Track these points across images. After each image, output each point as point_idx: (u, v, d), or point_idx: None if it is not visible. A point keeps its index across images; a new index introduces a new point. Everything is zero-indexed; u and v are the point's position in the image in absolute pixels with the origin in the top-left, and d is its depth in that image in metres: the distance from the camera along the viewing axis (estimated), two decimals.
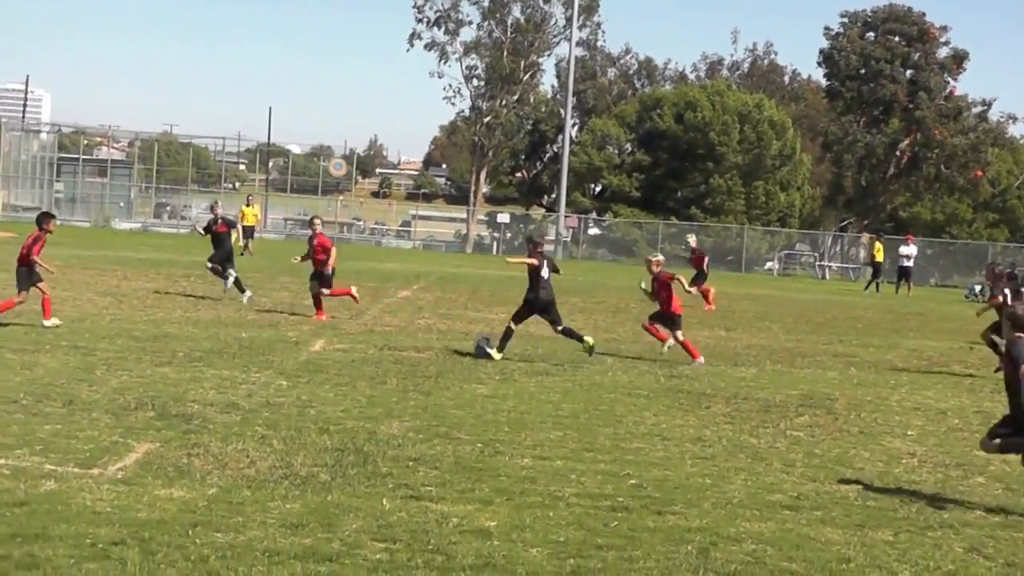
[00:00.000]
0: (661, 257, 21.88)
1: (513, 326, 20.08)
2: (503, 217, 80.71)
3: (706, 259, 35.10)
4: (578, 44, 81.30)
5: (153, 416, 12.79)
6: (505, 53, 79.54)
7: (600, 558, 8.66)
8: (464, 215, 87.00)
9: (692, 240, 38.03)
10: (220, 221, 28.64)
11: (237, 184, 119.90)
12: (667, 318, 21.09)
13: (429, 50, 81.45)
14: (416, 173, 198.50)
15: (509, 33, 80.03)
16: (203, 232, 29.29)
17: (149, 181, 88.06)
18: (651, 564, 8.62)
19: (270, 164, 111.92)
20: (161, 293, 27.72)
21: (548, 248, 78.15)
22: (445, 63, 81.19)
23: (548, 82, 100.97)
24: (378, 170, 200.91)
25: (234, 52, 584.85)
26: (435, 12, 79.92)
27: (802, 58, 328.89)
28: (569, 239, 74.52)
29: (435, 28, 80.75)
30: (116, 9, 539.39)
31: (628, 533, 9.38)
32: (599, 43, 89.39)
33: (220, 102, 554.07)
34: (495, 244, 79.90)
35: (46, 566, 7.61)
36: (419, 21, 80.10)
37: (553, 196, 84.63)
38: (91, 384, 14.56)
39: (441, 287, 35.23)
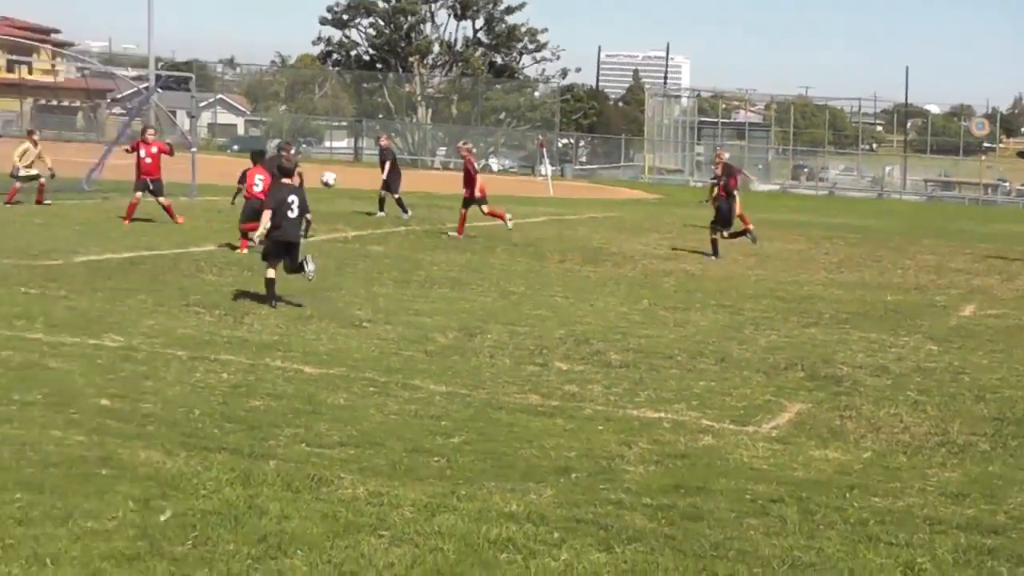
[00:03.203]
0: (470, 145, 29.81)
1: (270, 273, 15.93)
2: None
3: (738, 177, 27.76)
4: None
5: (803, 376, 12.81)
6: None
7: None
8: None
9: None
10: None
11: (874, 145, 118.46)
12: (475, 200, 26.56)
13: None
14: None
15: None
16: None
17: (786, 143, 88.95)
18: None
19: (908, 125, 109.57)
20: (803, 254, 27.88)
21: None
22: None
23: None
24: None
25: (870, 12, 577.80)
26: None
27: None
28: None
29: None
30: None
31: None
32: None
33: (856, 63, 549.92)
34: None
35: (709, 518, 7.77)
36: None
37: None
38: (740, 343, 14.81)
39: None
